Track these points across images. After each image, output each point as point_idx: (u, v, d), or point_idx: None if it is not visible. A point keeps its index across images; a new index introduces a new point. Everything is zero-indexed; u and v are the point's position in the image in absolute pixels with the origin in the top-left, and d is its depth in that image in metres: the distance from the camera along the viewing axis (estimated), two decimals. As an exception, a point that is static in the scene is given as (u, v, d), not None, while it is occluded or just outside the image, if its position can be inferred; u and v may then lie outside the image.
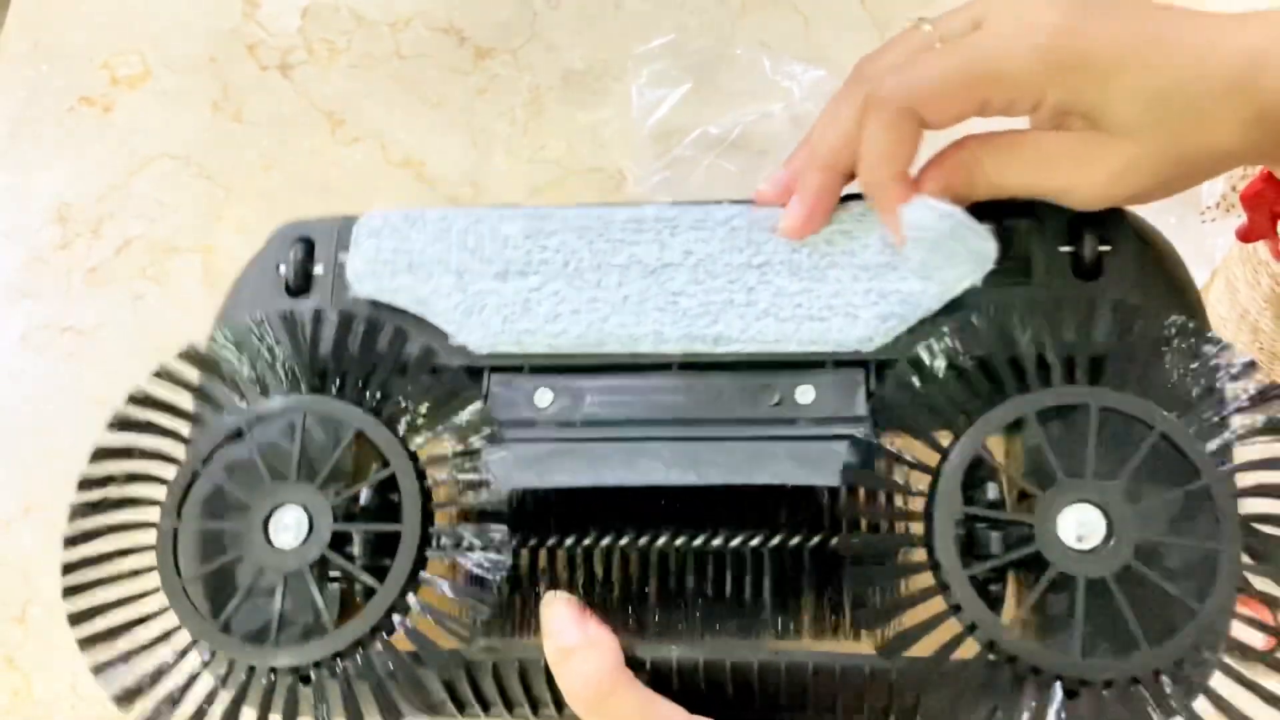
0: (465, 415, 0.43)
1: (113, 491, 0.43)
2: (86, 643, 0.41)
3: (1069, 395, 0.40)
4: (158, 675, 0.40)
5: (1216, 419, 0.40)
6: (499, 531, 0.40)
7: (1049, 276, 0.44)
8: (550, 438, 0.43)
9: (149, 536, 0.42)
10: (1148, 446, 0.39)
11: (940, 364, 0.41)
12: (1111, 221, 0.45)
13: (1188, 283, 0.47)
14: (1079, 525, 0.38)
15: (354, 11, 1.03)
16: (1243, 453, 0.40)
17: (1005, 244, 0.44)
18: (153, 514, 0.42)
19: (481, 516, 0.41)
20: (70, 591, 0.42)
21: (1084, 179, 0.43)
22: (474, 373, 0.44)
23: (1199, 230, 0.93)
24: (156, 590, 0.41)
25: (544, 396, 0.43)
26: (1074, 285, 0.44)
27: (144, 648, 0.41)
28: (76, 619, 0.41)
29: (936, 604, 0.39)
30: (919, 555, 0.39)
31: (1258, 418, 0.40)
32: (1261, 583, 0.39)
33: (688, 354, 0.44)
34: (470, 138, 0.98)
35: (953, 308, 0.43)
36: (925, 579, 0.39)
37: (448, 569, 0.42)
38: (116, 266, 0.91)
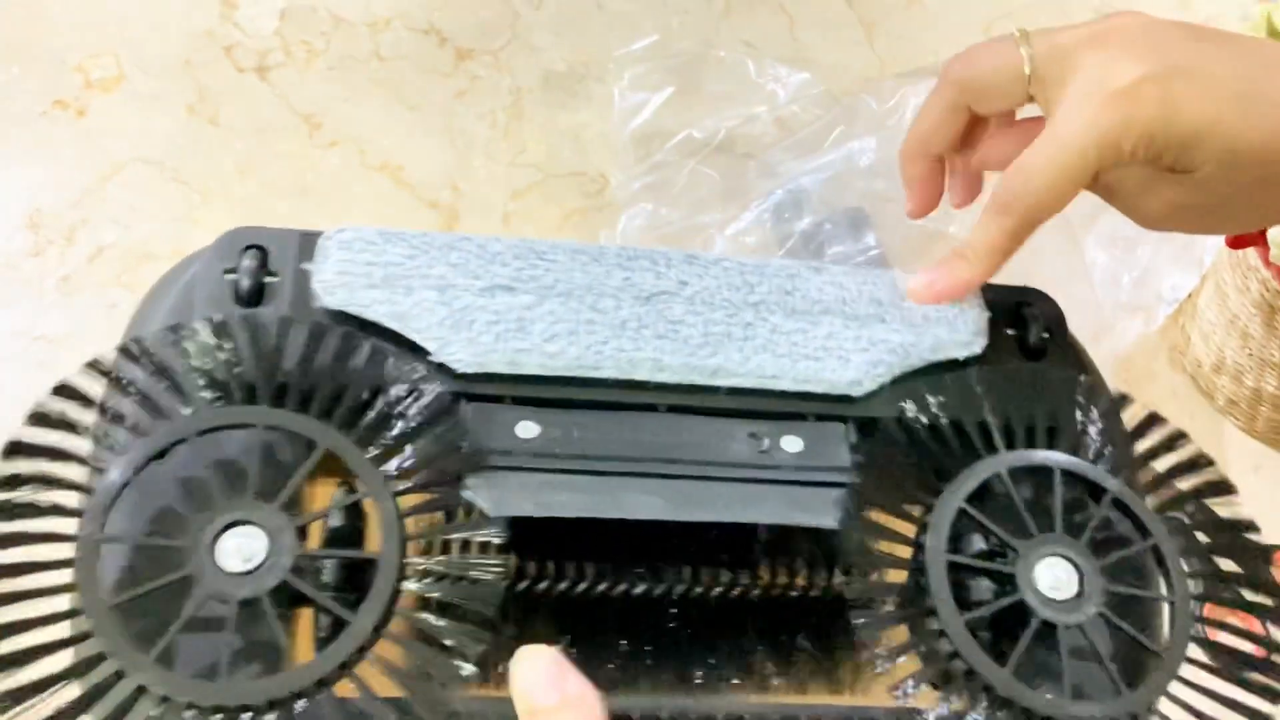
0: (445, 440, 0.40)
1: (23, 494, 0.38)
2: None
3: (1036, 459, 0.43)
4: (71, 713, 0.35)
5: (1147, 475, 0.45)
6: (497, 564, 0.38)
7: (1001, 354, 0.48)
8: (536, 468, 0.41)
9: (67, 550, 0.37)
10: (1104, 509, 0.42)
11: (920, 423, 0.44)
12: (1048, 309, 0.50)
13: (1093, 363, 0.52)
14: (1054, 578, 0.40)
15: (332, 13, 1.02)
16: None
17: None
18: (72, 525, 0.37)
19: (460, 549, 0.40)
20: None
21: (1142, 206, 0.46)
22: (453, 397, 0.42)
23: (1185, 236, 0.92)
24: (73, 614, 0.36)
25: (527, 428, 0.42)
26: (1023, 363, 0.48)
27: (57, 678, 0.35)
28: None
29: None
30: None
31: (1155, 468, 0.45)
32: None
33: (684, 384, 0.43)
34: (450, 141, 0.96)
35: (925, 371, 0.46)
36: (902, 631, 0.41)
37: (414, 603, 0.40)
38: (90, 274, 0.89)
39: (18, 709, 0.34)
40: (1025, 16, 1.04)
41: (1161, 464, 0.45)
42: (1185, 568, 0.42)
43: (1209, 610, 0.43)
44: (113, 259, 0.90)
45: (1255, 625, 0.43)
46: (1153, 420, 0.45)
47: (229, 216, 0.96)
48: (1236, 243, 0.82)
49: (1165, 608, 0.42)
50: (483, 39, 1.01)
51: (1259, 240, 0.80)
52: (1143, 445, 0.45)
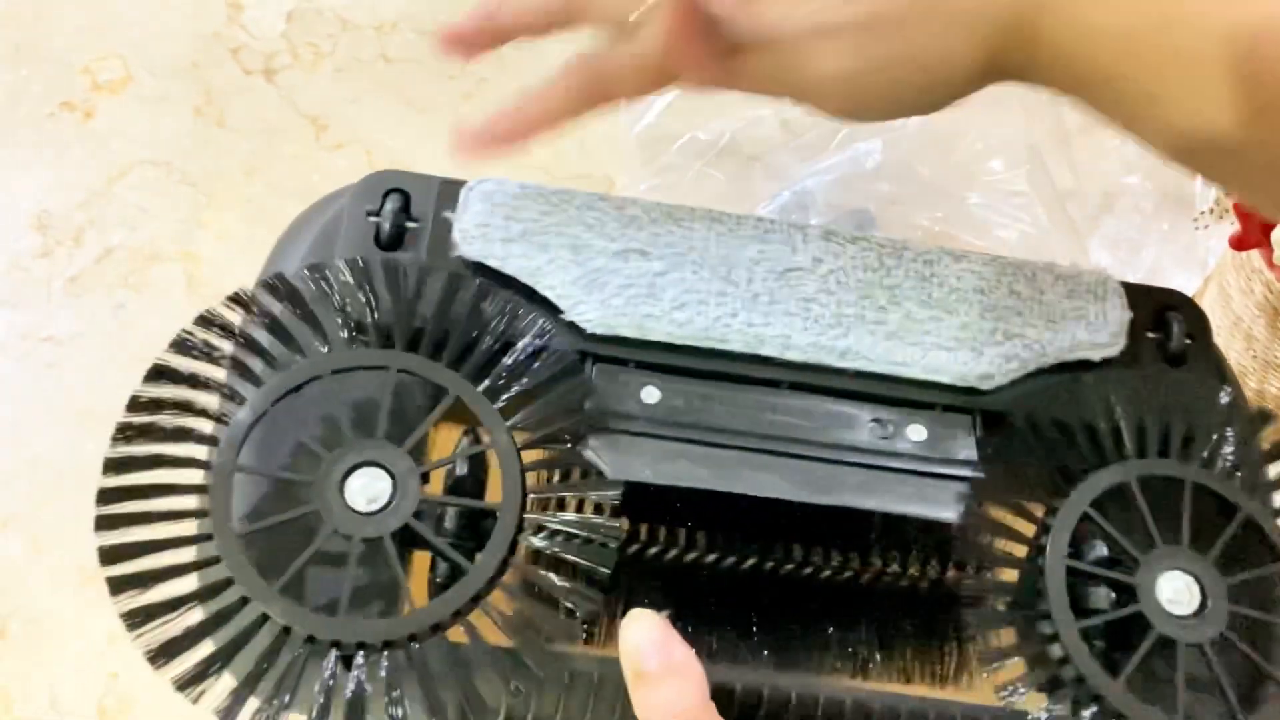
0: (570, 399, 0.40)
1: (164, 419, 0.38)
2: (118, 584, 0.36)
3: (1169, 469, 0.41)
4: (197, 635, 0.35)
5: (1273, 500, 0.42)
6: (612, 525, 0.37)
7: (1140, 358, 0.46)
8: (656, 434, 0.41)
9: (200, 476, 0.37)
10: (1234, 527, 0.40)
11: (1051, 422, 0.42)
12: (1193, 314, 0.48)
13: (1234, 374, 0.50)
14: (1175, 591, 0.39)
15: (339, 15, 1.02)
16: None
17: None
18: (206, 453, 0.38)
19: (577, 508, 0.40)
20: (105, 523, 0.36)
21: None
22: (580, 357, 0.42)
23: (1191, 236, 0.93)
24: (204, 539, 0.36)
25: (650, 393, 0.42)
26: (1163, 368, 0.46)
27: (185, 600, 0.36)
28: (109, 556, 0.36)
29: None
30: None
31: None
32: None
33: (811, 363, 0.43)
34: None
35: (1058, 369, 0.44)
36: (1011, 630, 0.40)
37: (529, 559, 0.40)
38: (97, 274, 0.90)
39: (149, 625, 0.35)
40: (1029, 19, 1.05)
41: None
42: None
43: None
44: (120, 260, 0.90)
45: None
46: None
47: (235, 218, 0.97)
48: (1240, 244, 0.82)
49: None
50: (488, 41, 1.02)
51: (1263, 242, 0.80)
52: (1278, 467, 0.43)
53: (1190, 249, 0.92)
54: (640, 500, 0.41)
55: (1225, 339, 0.88)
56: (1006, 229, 0.85)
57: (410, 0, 1.03)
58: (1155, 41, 0.38)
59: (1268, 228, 0.80)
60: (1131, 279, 0.52)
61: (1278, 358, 0.84)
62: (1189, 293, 0.87)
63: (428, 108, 0.98)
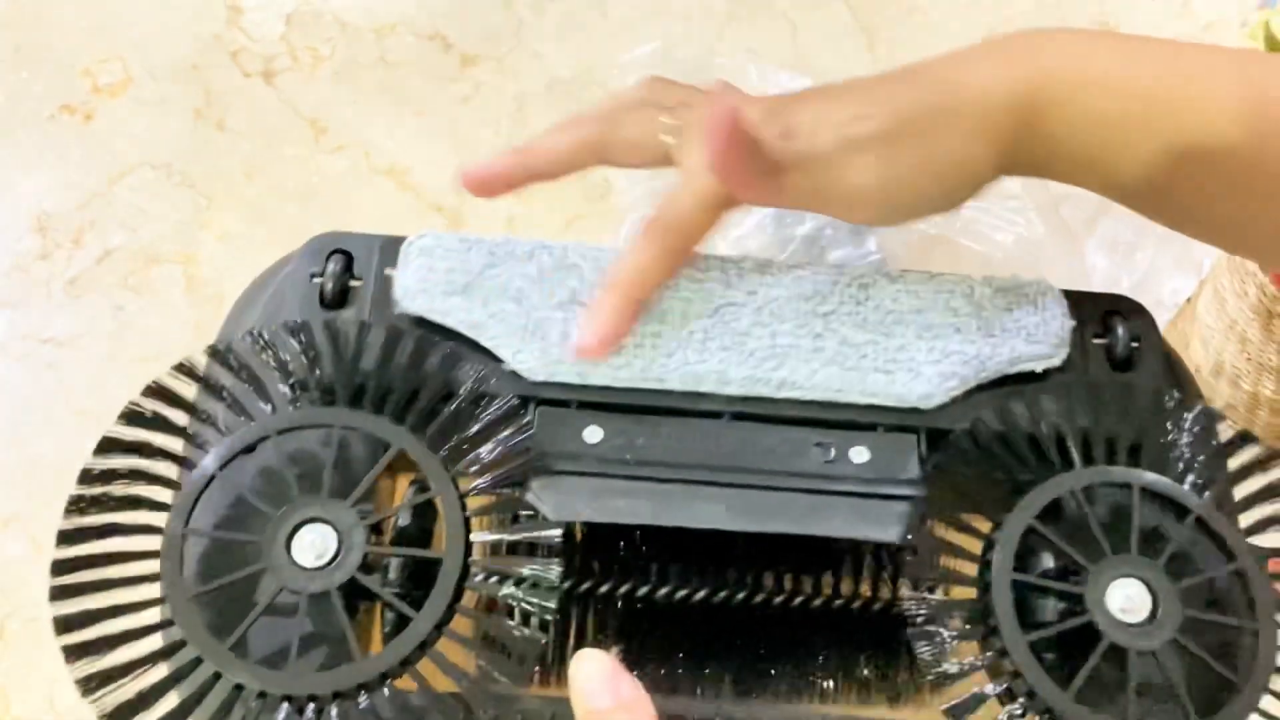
0: (512, 443, 0.41)
1: (117, 488, 0.39)
2: (73, 652, 0.37)
3: (1115, 475, 0.41)
4: (153, 696, 0.36)
5: (1233, 497, 0.42)
6: (550, 567, 0.38)
7: (1086, 365, 0.46)
8: (599, 473, 0.41)
9: (153, 542, 0.38)
10: (1186, 529, 0.40)
11: (994, 436, 0.42)
12: (1139, 317, 0.47)
13: (1189, 374, 0.50)
14: (1126, 599, 0.39)
15: (339, 18, 1.02)
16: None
17: None
18: (159, 518, 0.39)
19: (523, 550, 0.40)
20: (59, 593, 0.37)
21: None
22: (522, 402, 0.42)
23: (1186, 240, 0.93)
24: (157, 602, 0.38)
25: (593, 433, 0.42)
26: (1110, 375, 0.46)
27: (139, 664, 0.37)
28: (64, 625, 0.37)
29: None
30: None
31: (1256, 483, 0.42)
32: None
33: (749, 396, 0.43)
34: (454, 145, 0.97)
35: (1001, 382, 0.44)
36: (970, 646, 0.39)
37: (477, 604, 0.40)
38: (97, 276, 0.90)
39: (104, 689, 0.36)
40: (1025, 23, 1.05)
41: (1252, 484, 0.42)
42: (1272, 593, 0.40)
43: None
44: (120, 261, 0.91)
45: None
46: (1244, 438, 0.43)
47: (235, 220, 0.97)
48: (1235, 248, 0.82)
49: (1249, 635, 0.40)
50: (487, 45, 1.02)
51: (1257, 245, 0.81)
52: (1233, 464, 0.43)
53: (1186, 252, 0.93)
54: (594, 538, 0.42)
55: (1220, 342, 0.88)
56: (1003, 233, 0.85)
57: (409, 4, 1.04)
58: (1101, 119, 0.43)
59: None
60: (1127, 282, 0.52)
61: (1271, 360, 0.84)
62: (1185, 295, 0.87)
63: (425, 110, 0.99)
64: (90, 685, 0.37)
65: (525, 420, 0.42)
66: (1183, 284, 0.92)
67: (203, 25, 1.01)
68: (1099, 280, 0.87)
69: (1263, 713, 0.38)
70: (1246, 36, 0.79)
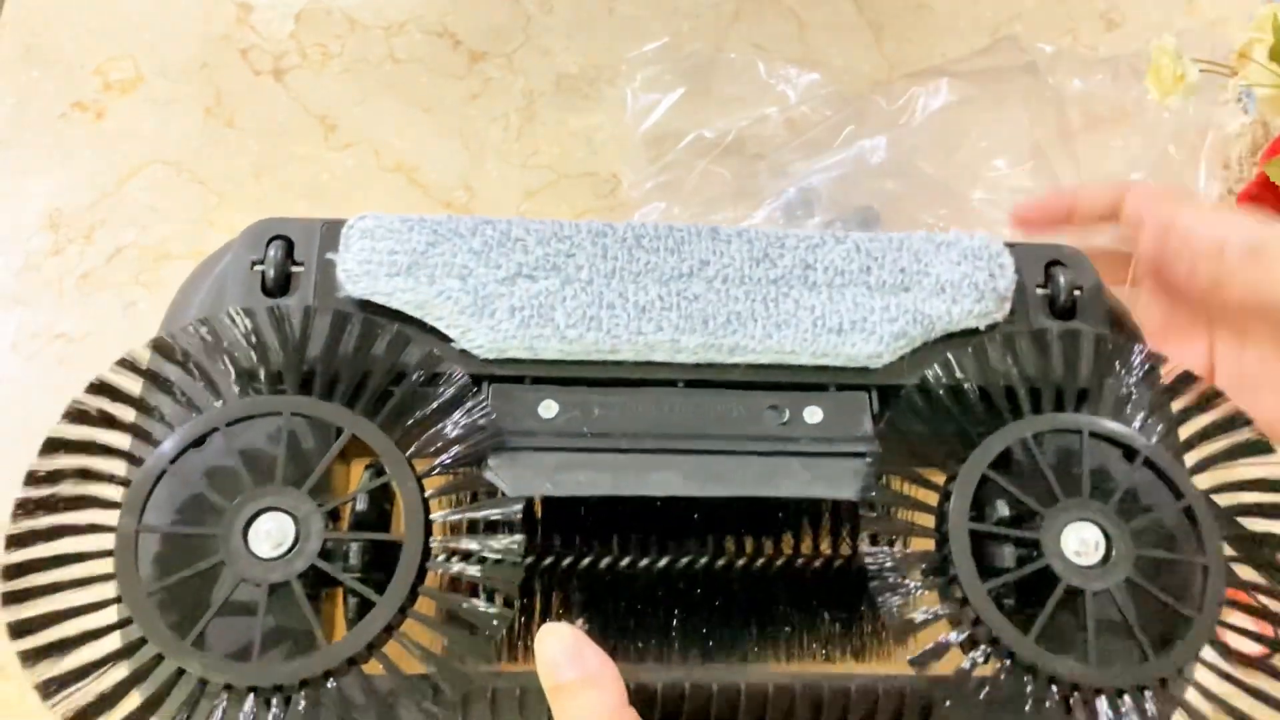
0: (467, 422, 0.41)
1: (65, 489, 0.39)
2: (30, 657, 0.37)
3: (1064, 422, 0.42)
4: (115, 696, 0.36)
5: (1179, 437, 0.43)
6: (511, 543, 0.38)
7: (1030, 316, 0.47)
8: (556, 447, 0.41)
9: (105, 540, 0.38)
10: (1135, 470, 0.41)
11: (943, 390, 0.43)
12: (1079, 265, 0.48)
13: (1132, 320, 0.51)
14: (1081, 542, 0.39)
15: (347, 15, 1.03)
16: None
17: None
18: (110, 516, 0.38)
19: (483, 529, 0.40)
20: (11, 598, 0.37)
21: None
22: (475, 380, 0.43)
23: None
24: (113, 601, 0.37)
25: (548, 407, 0.42)
26: (1053, 323, 0.47)
27: (98, 665, 0.36)
28: (18, 630, 0.37)
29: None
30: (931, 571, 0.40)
31: (1200, 423, 0.44)
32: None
33: (702, 363, 0.43)
34: (463, 142, 0.97)
35: (948, 337, 0.45)
36: (931, 597, 0.40)
37: (441, 584, 0.40)
38: (109, 273, 0.90)
39: (65, 692, 0.36)
40: (1032, 20, 1.05)
41: (1196, 423, 0.44)
42: (1220, 529, 0.41)
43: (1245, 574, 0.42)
44: (131, 259, 0.91)
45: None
46: (1187, 379, 0.44)
47: (246, 217, 0.97)
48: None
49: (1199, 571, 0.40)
50: (496, 42, 1.02)
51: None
52: (1177, 404, 0.44)
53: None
54: (556, 513, 0.42)
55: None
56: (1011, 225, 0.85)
57: (418, 1, 1.04)
58: None
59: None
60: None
61: None
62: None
63: (435, 108, 0.99)
64: (50, 689, 0.36)
65: (479, 398, 0.42)
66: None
67: (212, 24, 1.01)
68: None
69: (1215, 643, 0.40)
70: (1252, 28, 0.78)
